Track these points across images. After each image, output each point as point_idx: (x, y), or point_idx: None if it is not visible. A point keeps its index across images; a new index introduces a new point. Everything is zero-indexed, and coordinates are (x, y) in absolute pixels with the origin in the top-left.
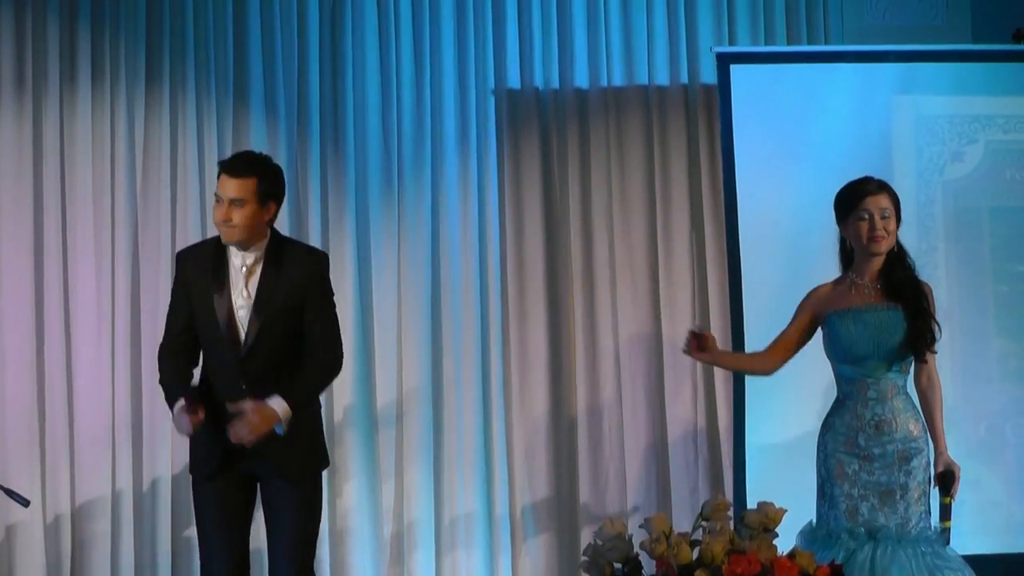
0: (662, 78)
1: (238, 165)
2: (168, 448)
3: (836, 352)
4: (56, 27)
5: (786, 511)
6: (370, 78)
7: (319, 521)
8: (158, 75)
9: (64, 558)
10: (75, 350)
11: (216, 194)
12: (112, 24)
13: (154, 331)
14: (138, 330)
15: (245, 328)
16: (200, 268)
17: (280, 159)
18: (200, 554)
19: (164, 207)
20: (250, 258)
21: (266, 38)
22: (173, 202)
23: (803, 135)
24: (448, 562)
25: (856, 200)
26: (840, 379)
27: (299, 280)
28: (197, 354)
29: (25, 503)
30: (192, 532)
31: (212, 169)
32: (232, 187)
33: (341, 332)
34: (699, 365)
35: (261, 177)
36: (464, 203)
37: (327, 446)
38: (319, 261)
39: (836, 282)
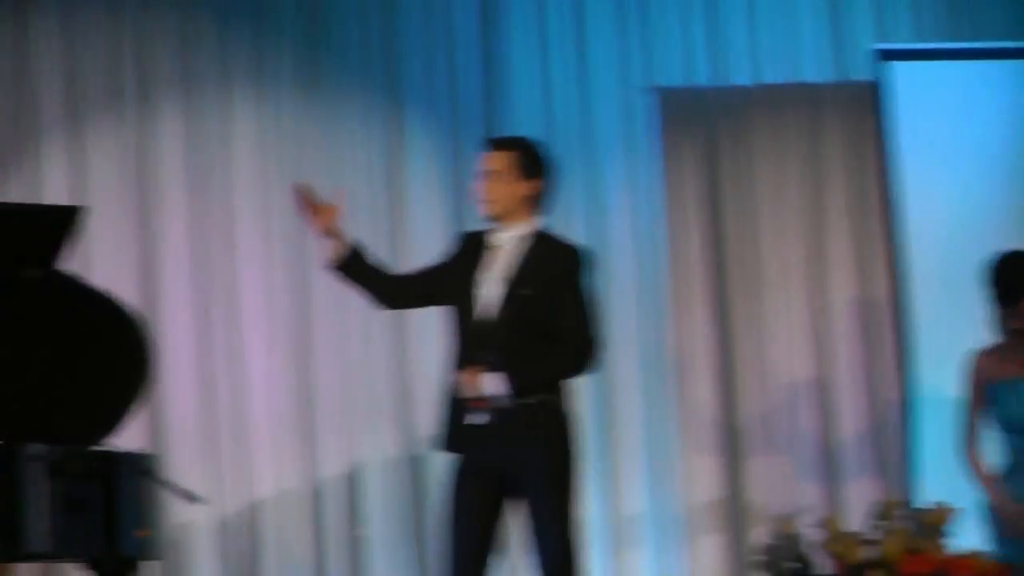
0: (822, 75)
1: (497, 139)
2: (338, 446)
3: (1001, 422)
4: (214, 27)
5: (960, 510)
6: (526, 78)
7: (575, 519)
8: (314, 78)
9: (238, 558)
10: (244, 348)
11: (477, 172)
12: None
13: (323, 328)
14: (307, 327)
15: (492, 307)
16: (471, 244)
17: (437, 161)
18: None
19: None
20: (509, 239)
21: (424, 38)
22: None
23: (966, 134)
24: (619, 561)
25: (1014, 299)
26: (1007, 447)
27: (553, 271)
28: (408, 287)
29: (200, 502)
30: (365, 532)
31: (375, 168)
32: (489, 160)
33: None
34: (870, 366)
35: (521, 151)
36: (624, 203)
37: None
38: (578, 255)
39: (998, 348)
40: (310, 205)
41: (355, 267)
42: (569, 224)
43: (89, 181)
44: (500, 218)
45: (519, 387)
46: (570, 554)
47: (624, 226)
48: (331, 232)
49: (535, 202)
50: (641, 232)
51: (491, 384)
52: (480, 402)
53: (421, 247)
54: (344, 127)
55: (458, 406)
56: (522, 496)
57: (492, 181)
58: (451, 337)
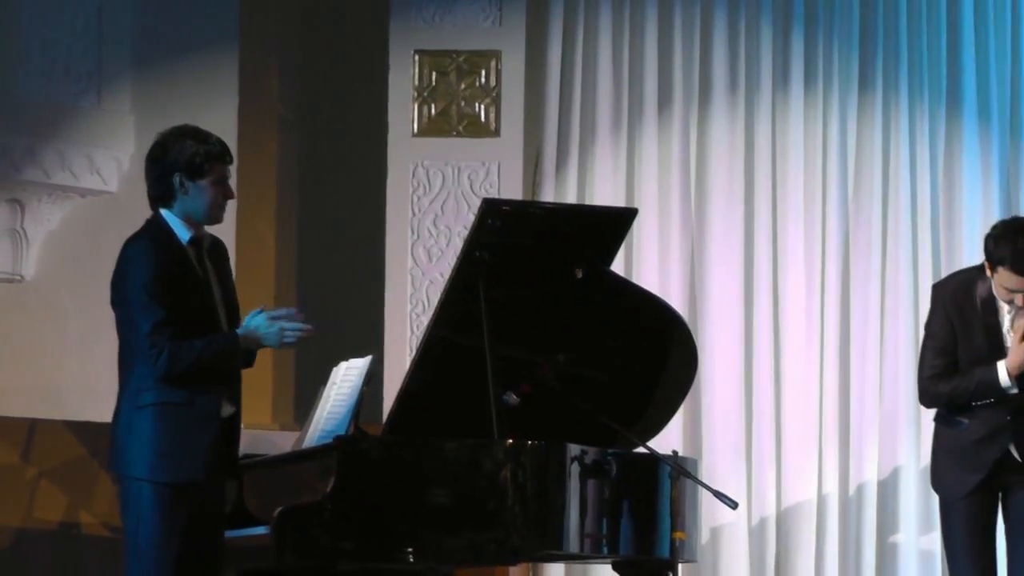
0: None
1: None
2: (875, 451)
3: None
4: (769, 32)
5: None
6: None
7: None
8: (871, 81)
9: (768, 561)
10: (785, 351)
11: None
12: (825, 29)
13: (863, 337)
14: (847, 335)
15: None
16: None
17: (992, 166)
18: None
19: (875, 215)
20: None
21: (979, 44)
22: (884, 209)
23: None
24: None
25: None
26: None
27: None
28: None
29: (733, 505)
30: (897, 539)
31: (924, 179)
32: None
33: None
34: None
35: None
36: None
37: None
38: None
39: None
40: None
41: None
42: None
43: (636, 183)
44: None
45: None
46: None
47: None
48: None
49: None
50: None
51: None
52: None
53: (970, 255)
54: (900, 130)
55: None
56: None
57: None
58: None
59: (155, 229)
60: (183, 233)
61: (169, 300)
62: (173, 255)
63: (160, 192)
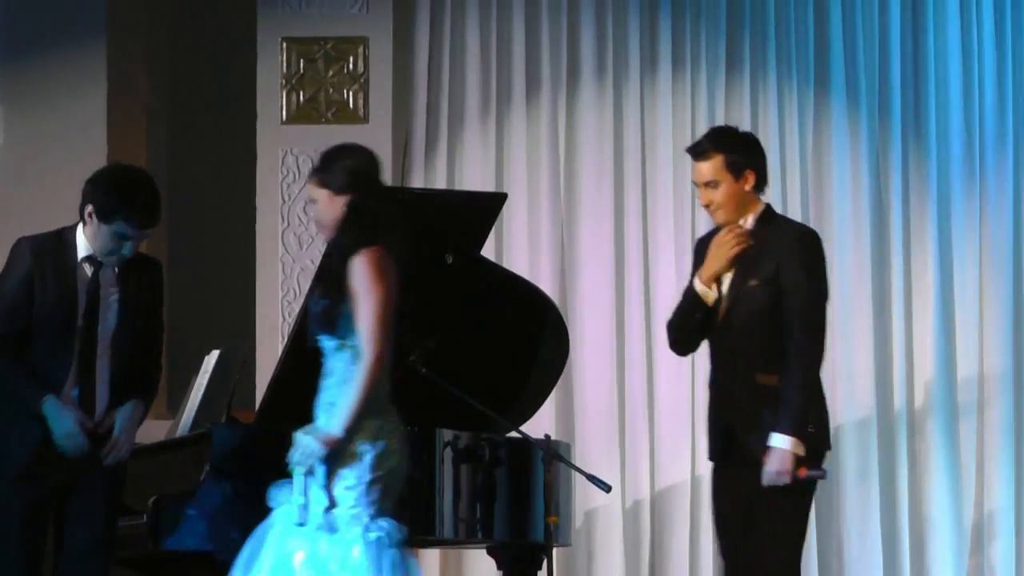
0: None
1: (698, 147)
2: None
3: None
4: (637, 16)
5: None
6: (951, 66)
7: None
8: (739, 63)
9: (643, 543)
10: (656, 335)
11: (693, 182)
12: (693, 12)
13: None
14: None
15: (725, 297)
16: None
17: (861, 149)
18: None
19: None
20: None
21: (847, 26)
22: None
23: None
24: None
25: None
26: None
27: (778, 252)
28: None
29: (607, 488)
30: None
31: (793, 160)
32: (700, 171)
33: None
34: None
35: (726, 152)
36: None
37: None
38: (806, 235)
39: None
40: None
41: None
42: (991, 211)
43: (506, 168)
44: (732, 222)
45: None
46: None
47: None
48: None
49: (759, 188)
50: None
51: None
52: None
53: (840, 235)
54: (768, 114)
55: None
56: None
57: (710, 191)
58: None
59: (55, 236)
60: (83, 248)
61: (16, 308)
62: (55, 265)
63: (80, 207)
